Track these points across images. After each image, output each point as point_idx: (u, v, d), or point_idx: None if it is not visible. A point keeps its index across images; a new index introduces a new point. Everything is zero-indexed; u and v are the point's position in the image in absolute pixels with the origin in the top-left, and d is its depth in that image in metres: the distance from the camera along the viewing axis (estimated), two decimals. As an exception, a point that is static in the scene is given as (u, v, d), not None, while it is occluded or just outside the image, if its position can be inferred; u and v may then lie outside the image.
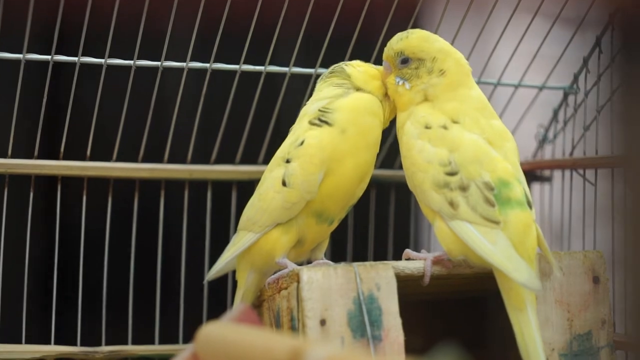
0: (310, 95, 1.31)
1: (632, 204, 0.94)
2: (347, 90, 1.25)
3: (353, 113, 1.23)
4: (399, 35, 1.24)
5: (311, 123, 1.24)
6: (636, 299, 0.94)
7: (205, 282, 1.33)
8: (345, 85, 1.25)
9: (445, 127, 1.19)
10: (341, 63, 1.28)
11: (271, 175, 1.25)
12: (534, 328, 1.13)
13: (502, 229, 1.14)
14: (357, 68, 1.27)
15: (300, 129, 1.25)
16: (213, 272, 1.29)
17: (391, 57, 1.23)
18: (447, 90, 1.20)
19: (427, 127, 1.19)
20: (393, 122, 1.28)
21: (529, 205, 1.17)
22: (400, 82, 1.22)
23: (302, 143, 1.23)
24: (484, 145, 1.18)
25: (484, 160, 1.17)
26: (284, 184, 1.23)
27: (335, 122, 1.22)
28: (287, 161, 1.23)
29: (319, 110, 1.24)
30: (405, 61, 1.22)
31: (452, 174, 1.17)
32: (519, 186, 1.17)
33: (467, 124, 1.19)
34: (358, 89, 1.25)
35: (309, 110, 1.26)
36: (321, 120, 1.23)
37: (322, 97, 1.26)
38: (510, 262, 1.12)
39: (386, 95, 1.25)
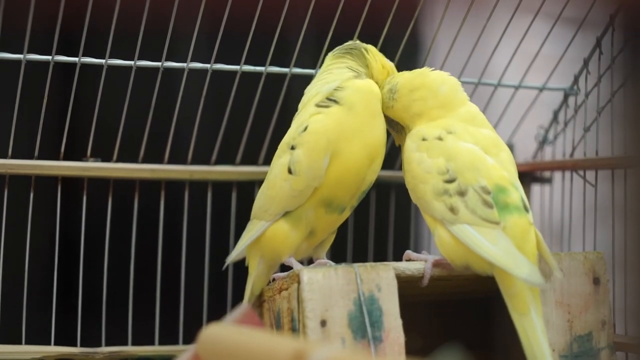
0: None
1: (635, 204, 0.94)
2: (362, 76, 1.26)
3: (366, 95, 1.23)
4: (386, 94, 1.24)
5: (318, 105, 1.23)
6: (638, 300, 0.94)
7: (227, 263, 1.29)
8: (361, 72, 1.26)
9: (440, 139, 1.20)
10: (360, 45, 1.28)
11: (279, 162, 1.25)
12: (539, 333, 1.13)
13: (502, 231, 1.15)
14: (375, 58, 1.27)
15: (306, 113, 1.24)
16: (233, 256, 1.27)
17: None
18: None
19: (423, 140, 1.20)
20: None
21: (526, 209, 1.17)
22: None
23: (305, 129, 1.22)
24: (479, 153, 1.19)
25: (480, 168, 1.18)
26: (289, 171, 1.22)
27: (344, 100, 1.22)
28: (292, 147, 1.23)
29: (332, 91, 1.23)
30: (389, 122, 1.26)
31: (450, 181, 1.17)
32: (515, 192, 1.18)
33: (459, 134, 1.20)
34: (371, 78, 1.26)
35: (318, 90, 1.25)
36: (329, 100, 1.22)
37: (334, 79, 1.25)
38: (511, 259, 1.13)
39: None
